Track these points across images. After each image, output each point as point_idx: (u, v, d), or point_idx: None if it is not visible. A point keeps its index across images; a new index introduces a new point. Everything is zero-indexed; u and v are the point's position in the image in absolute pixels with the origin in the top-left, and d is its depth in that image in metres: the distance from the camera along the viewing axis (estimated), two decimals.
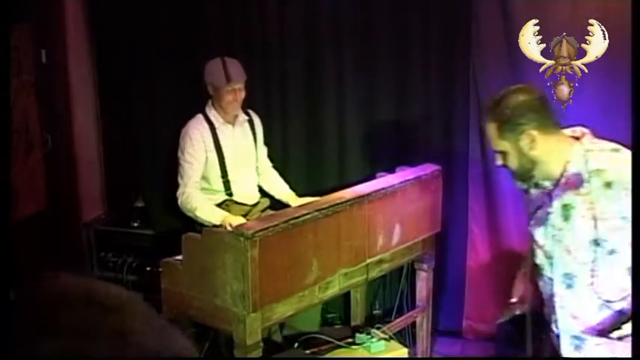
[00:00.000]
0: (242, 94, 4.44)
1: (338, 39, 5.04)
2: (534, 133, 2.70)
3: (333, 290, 3.91)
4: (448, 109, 4.96)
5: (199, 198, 4.35)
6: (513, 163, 2.78)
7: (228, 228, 3.85)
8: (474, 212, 5.01)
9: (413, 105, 5.00)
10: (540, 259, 2.88)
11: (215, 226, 4.09)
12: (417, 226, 4.35)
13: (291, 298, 3.66)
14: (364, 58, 5.01)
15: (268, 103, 5.14)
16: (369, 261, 4.05)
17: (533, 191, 2.89)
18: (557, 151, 2.73)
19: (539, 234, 2.86)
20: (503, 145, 2.76)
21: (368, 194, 3.99)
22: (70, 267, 5.57)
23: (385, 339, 4.27)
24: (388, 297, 5.14)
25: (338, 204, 3.82)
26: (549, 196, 2.78)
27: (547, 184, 2.79)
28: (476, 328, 5.13)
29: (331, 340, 4.26)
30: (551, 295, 2.85)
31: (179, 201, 4.38)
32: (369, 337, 4.24)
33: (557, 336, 2.88)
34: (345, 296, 4.81)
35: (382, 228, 4.08)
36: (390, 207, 4.12)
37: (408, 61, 4.95)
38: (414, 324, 4.70)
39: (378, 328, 4.35)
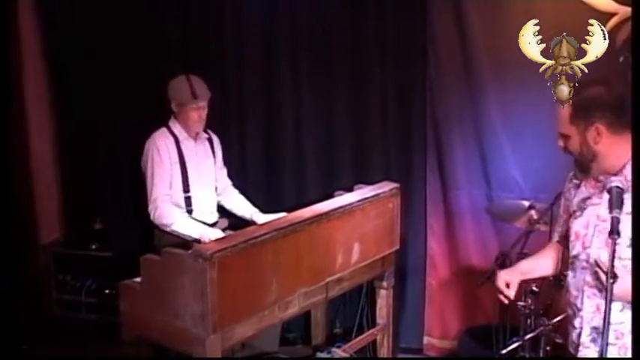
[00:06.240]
0: (205, 112, 4.45)
1: (294, 59, 5.07)
2: (603, 128, 2.76)
3: (293, 309, 3.91)
4: (405, 126, 5.00)
5: (172, 212, 4.31)
6: (574, 148, 2.83)
7: (206, 241, 3.86)
8: (432, 229, 5.05)
9: (370, 123, 5.04)
10: (577, 249, 2.90)
11: (195, 239, 4.08)
12: (376, 244, 4.37)
13: (251, 318, 3.66)
14: (321, 77, 5.06)
15: (226, 123, 5.14)
16: (328, 280, 4.05)
17: (585, 183, 2.91)
18: (620, 150, 2.78)
19: (580, 224, 2.88)
20: (570, 130, 2.84)
21: (326, 213, 4.00)
22: (29, 290, 5.49)
23: (346, 358, 4.27)
24: (349, 315, 5.15)
25: (297, 223, 3.83)
26: (601, 188, 2.80)
27: (602, 178, 2.82)
28: (436, 344, 5.16)
29: (292, 359, 4.25)
30: (582, 285, 2.85)
31: (151, 217, 4.30)
32: (329, 355, 4.25)
33: (578, 333, 2.89)
34: (306, 315, 4.81)
35: (341, 246, 4.10)
36: (349, 225, 4.13)
37: (365, 80, 4.99)
38: (374, 342, 4.70)
39: (339, 347, 4.36)
